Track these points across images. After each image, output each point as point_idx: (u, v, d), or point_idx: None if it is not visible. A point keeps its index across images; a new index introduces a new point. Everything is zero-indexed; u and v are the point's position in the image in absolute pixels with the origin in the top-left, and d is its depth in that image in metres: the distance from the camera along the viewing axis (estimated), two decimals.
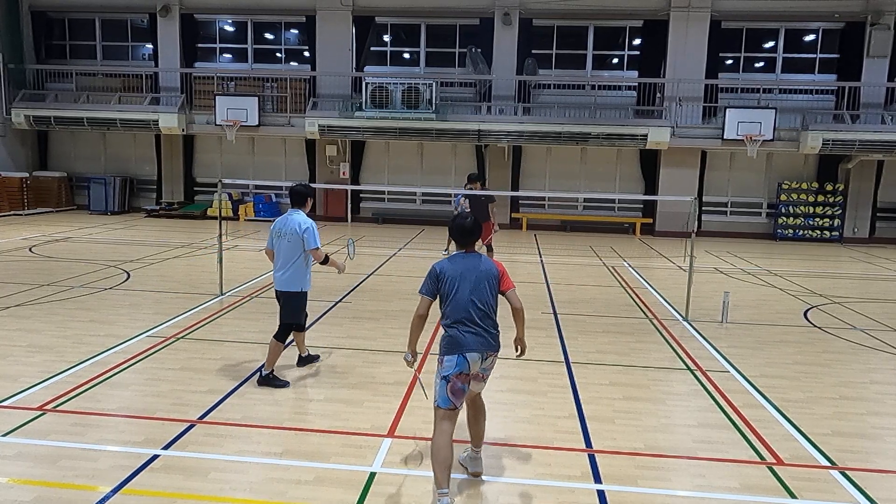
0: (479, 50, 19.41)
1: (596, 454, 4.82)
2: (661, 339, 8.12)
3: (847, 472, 4.67)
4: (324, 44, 19.74)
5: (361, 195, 20.67)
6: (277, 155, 21.14)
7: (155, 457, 4.53)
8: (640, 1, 18.82)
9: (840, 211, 19.01)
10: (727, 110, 17.91)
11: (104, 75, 20.67)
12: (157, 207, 20.46)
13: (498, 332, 4.23)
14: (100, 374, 6.10)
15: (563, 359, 7.14)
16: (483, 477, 4.38)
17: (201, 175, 21.41)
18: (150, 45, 21.09)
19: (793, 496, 4.31)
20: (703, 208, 19.33)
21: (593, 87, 19.81)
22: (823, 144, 17.44)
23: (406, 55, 20.86)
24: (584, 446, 4.96)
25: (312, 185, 7.85)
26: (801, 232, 19.12)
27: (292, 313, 6.12)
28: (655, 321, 9.00)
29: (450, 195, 18.49)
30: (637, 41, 19.82)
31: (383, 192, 20.76)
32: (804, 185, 19.06)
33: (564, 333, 8.16)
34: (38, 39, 20.98)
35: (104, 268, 11.44)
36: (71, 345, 6.97)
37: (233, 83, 20.53)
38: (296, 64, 21.24)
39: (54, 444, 4.67)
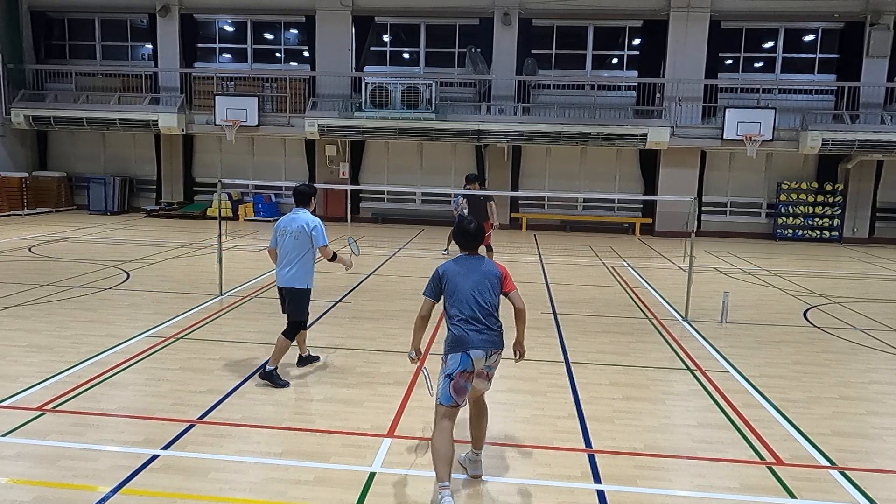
0: (479, 50, 19.42)
1: (596, 454, 4.82)
2: (661, 339, 8.12)
3: (847, 472, 4.67)
4: (323, 44, 19.74)
5: (361, 195, 20.67)
6: (277, 155, 21.14)
7: (155, 457, 4.53)
8: (639, 1, 18.82)
9: (840, 211, 19.02)
10: (727, 110, 17.92)
11: (104, 75, 20.66)
12: (157, 207, 20.46)
13: (502, 329, 4.25)
14: (99, 375, 6.10)
15: (562, 359, 7.15)
16: (483, 477, 4.38)
17: (201, 175, 21.40)
18: (149, 45, 21.09)
19: (792, 496, 4.31)
20: (703, 208, 19.33)
21: (593, 87, 19.82)
22: (823, 144, 17.45)
23: (406, 55, 20.86)
24: (583, 446, 4.96)
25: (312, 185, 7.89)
26: (800, 232, 19.12)
27: (300, 310, 6.18)
28: (655, 321, 9.01)
29: (449, 195, 18.50)
30: (637, 41, 19.82)
31: (383, 192, 20.75)
32: (804, 185, 19.06)
33: (564, 333, 8.16)
34: (38, 39, 20.98)
35: (104, 268, 11.44)
36: (70, 345, 6.97)
37: (232, 83, 20.54)
38: (295, 64, 21.24)
39: (54, 445, 4.67)
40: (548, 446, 4.92)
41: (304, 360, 6.58)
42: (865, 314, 9.79)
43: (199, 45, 21.10)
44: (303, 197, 6.23)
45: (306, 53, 20.55)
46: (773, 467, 4.69)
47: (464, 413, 4.32)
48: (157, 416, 5.24)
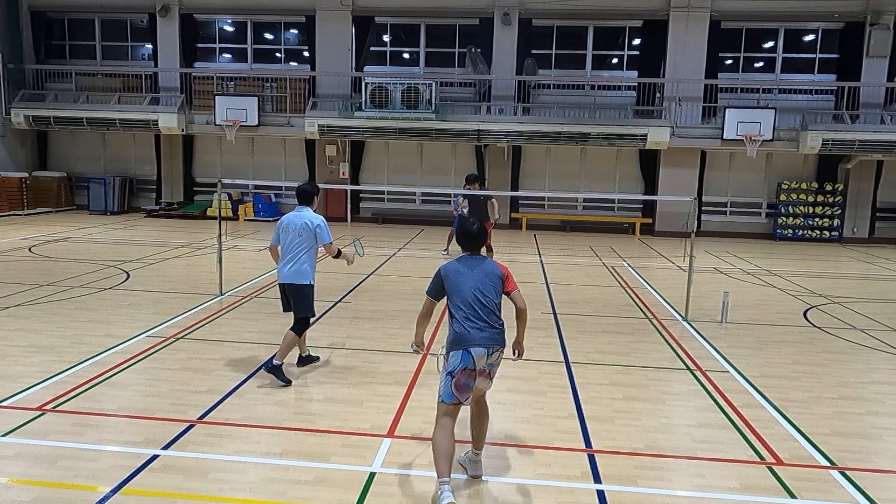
0: (479, 50, 19.41)
1: (596, 454, 4.82)
2: (661, 339, 8.12)
3: (847, 472, 4.67)
4: (323, 44, 19.74)
5: (361, 195, 20.66)
6: (277, 155, 21.14)
7: (155, 457, 4.53)
8: (639, 1, 18.82)
9: (840, 211, 19.02)
10: (727, 110, 17.91)
11: (104, 75, 20.66)
12: (157, 207, 20.45)
13: (503, 328, 4.27)
14: (99, 375, 6.10)
15: (562, 359, 7.15)
16: (483, 477, 4.38)
17: (201, 175, 21.40)
18: (149, 45, 21.09)
19: (792, 496, 4.31)
20: (703, 208, 19.33)
21: (593, 87, 19.81)
22: (823, 144, 17.44)
23: (406, 55, 20.86)
24: (583, 446, 4.96)
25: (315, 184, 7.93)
26: (800, 232, 19.12)
27: (306, 306, 6.23)
28: (655, 321, 9.00)
29: (449, 195, 18.50)
30: (637, 41, 19.82)
31: (383, 192, 20.75)
32: (804, 185, 19.06)
33: (564, 333, 8.16)
34: (38, 39, 20.97)
35: (104, 268, 11.44)
36: (70, 345, 6.97)
37: (232, 83, 20.53)
38: (295, 64, 21.23)
39: (54, 445, 4.67)
40: (548, 446, 4.92)
41: (305, 360, 6.59)
42: (865, 314, 9.79)
43: (199, 45, 21.09)
44: (306, 196, 6.31)
45: (306, 53, 20.54)
46: (773, 467, 4.69)
47: (464, 413, 4.32)
48: (157, 416, 5.24)
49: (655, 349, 7.70)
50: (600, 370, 6.81)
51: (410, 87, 18.03)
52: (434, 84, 18.12)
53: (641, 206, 20.26)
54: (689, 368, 6.97)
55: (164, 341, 7.22)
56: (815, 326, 9.01)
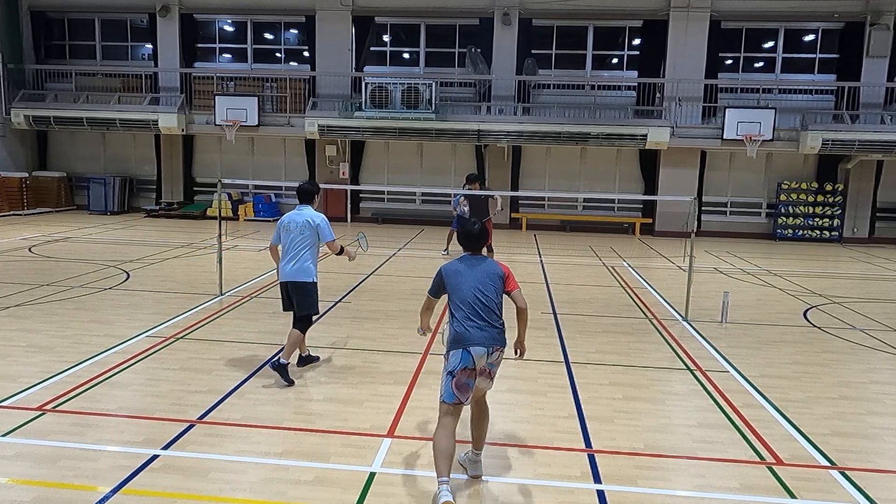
0: (479, 50, 19.41)
1: (595, 454, 4.82)
2: (661, 339, 8.12)
3: (847, 472, 4.67)
4: (323, 44, 19.74)
5: (361, 195, 20.67)
6: (277, 155, 21.14)
7: (155, 457, 4.53)
8: (639, 1, 18.81)
9: (840, 211, 19.01)
10: (727, 110, 17.91)
11: (104, 75, 20.66)
12: (157, 207, 20.45)
13: (504, 327, 4.27)
14: (99, 375, 6.10)
15: (562, 359, 7.15)
16: (483, 477, 4.39)
17: (201, 175, 21.40)
18: (149, 45, 21.08)
19: (792, 496, 4.31)
20: (703, 208, 19.33)
21: (593, 87, 19.81)
22: (823, 144, 17.44)
23: (406, 55, 20.86)
24: (583, 446, 4.96)
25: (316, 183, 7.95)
26: (800, 232, 19.12)
27: (309, 304, 6.24)
28: (655, 321, 9.00)
29: (449, 195, 18.49)
30: (637, 41, 19.82)
31: (383, 192, 20.75)
32: (804, 185, 19.06)
33: (564, 333, 8.16)
34: (38, 39, 20.97)
35: (104, 268, 11.43)
36: (70, 345, 6.97)
37: (232, 83, 20.53)
38: (295, 64, 21.23)
39: (54, 445, 4.67)
40: (548, 446, 4.92)
41: (304, 360, 6.59)
42: (865, 314, 9.79)
43: (199, 45, 21.09)
44: (307, 194, 6.32)
45: (306, 53, 20.54)
46: (773, 467, 4.69)
47: (464, 413, 4.32)
48: (156, 416, 5.24)
49: (655, 349, 7.70)
50: (600, 370, 6.81)
51: (410, 87, 18.03)
52: (434, 84, 18.12)
53: (641, 206, 20.26)
54: (688, 368, 6.97)
55: (164, 341, 7.22)
56: (815, 326, 9.01)
